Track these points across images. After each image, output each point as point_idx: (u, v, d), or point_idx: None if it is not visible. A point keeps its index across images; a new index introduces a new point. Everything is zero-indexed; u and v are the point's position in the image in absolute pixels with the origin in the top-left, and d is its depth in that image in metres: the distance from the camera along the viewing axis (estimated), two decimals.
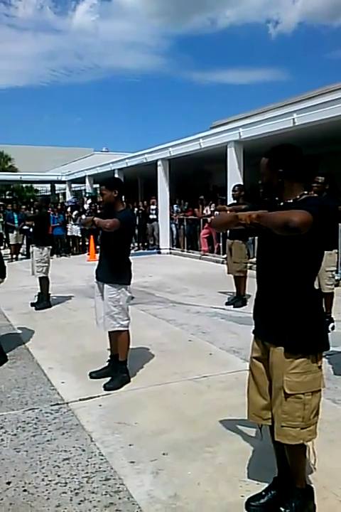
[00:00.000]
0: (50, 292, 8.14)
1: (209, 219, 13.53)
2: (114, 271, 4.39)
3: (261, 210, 2.36)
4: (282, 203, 2.45)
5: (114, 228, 4.23)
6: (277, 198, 2.50)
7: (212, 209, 14.70)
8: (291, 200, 2.41)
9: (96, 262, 4.73)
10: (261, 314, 2.55)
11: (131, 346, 4.57)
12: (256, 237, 2.67)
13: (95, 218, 4.49)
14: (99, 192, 5.38)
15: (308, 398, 2.36)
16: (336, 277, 6.68)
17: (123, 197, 4.67)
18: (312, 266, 2.42)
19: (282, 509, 2.49)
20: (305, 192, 2.45)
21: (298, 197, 2.42)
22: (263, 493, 2.63)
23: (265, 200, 2.63)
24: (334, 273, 6.12)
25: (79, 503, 2.70)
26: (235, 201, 7.87)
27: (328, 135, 11.52)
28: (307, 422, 2.38)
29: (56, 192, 31.55)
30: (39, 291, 8.04)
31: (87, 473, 3.00)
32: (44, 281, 8.00)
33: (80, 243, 17.93)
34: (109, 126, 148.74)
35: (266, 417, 2.54)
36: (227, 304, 7.83)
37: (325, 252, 4.90)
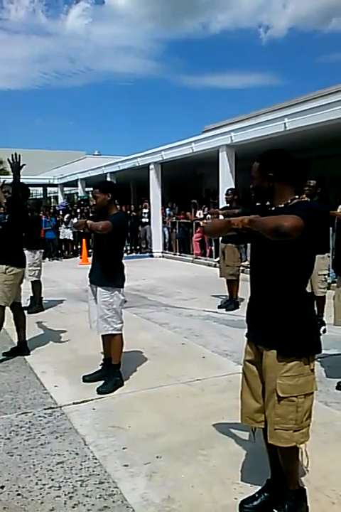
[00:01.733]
0: (42, 296, 8.12)
1: (201, 223, 13.56)
2: (107, 274, 4.39)
3: (253, 215, 2.38)
4: (273, 208, 2.47)
5: (106, 230, 4.23)
6: (268, 203, 2.53)
7: (204, 212, 14.74)
8: (282, 205, 2.44)
9: (89, 266, 4.73)
10: (254, 318, 2.57)
11: (124, 350, 4.57)
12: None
13: (88, 221, 4.49)
14: (91, 195, 5.39)
15: (301, 401, 2.38)
16: (328, 281, 6.74)
17: (116, 200, 4.67)
18: (304, 270, 2.45)
19: (275, 511, 2.51)
20: (296, 196, 2.48)
21: (289, 201, 2.44)
22: (257, 495, 2.65)
23: (257, 205, 2.65)
24: (326, 276, 6.17)
25: (73, 507, 2.70)
26: (228, 205, 7.91)
27: (319, 140, 11.62)
28: (300, 425, 2.40)
29: (48, 195, 31.46)
30: (31, 294, 8.02)
31: (80, 476, 3.00)
32: (36, 285, 7.99)
33: (72, 247, 17.91)
34: (101, 130, 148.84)
35: (259, 420, 2.55)
36: (220, 307, 7.86)
37: (318, 255, 4.95)
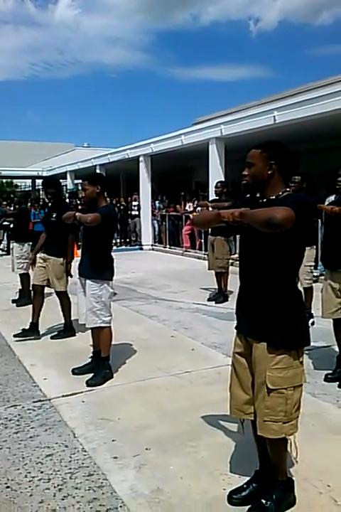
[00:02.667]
0: (30, 289, 8.07)
1: (191, 215, 13.56)
2: (96, 266, 4.39)
3: (243, 208, 2.38)
4: (265, 200, 2.47)
5: (95, 223, 4.22)
6: (258, 195, 2.54)
7: (194, 205, 14.75)
8: (274, 197, 2.45)
9: (78, 258, 4.71)
10: (244, 310, 2.58)
11: (113, 342, 4.58)
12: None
13: (77, 213, 4.47)
14: (80, 188, 5.39)
15: (290, 393, 2.41)
16: (314, 273, 6.79)
17: (105, 192, 4.66)
18: (294, 262, 2.46)
19: (263, 501, 2.54)
20: (287, 189, 2.49)
21: (280, 194, 2.45)
22: (245, 486, 2.68)
23: (247, 197, 2.66)
24: (312, 268, 6.22)
25: (63, 499, 2.70)
26: (217, 197, 7.92)
27: (309, 133, 11.66)
28: (289, 417, 2.42)
29: (36, 187, 31.25)
30: (20, 287, 7.98)
31: (70, 469, 3.01)
32: (25, 278, 7.94)
33: None
34: (91, 122, 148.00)
35: (248, 411, 2.58)
36: (209, 299, 7.88)
37: (307, 247, 4.98)
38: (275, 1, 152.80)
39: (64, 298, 6.05)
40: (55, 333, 5.99)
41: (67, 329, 5.96)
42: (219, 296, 7.83)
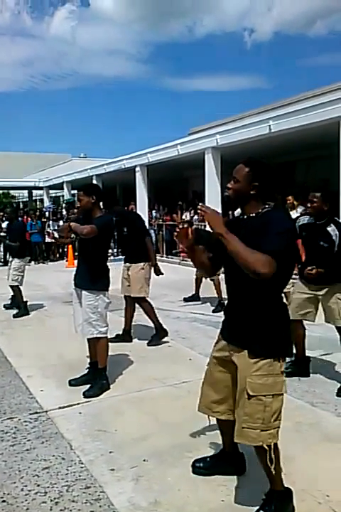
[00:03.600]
0: (26, 299, 8.06)
1: (179, 226, 13.55)
2: (92, 277, 4.37)
3: (225, 231, 2.35)
4: (245, 216, 2.55)
5: (91, 235, 4.21)
6: (239, 210, 2.62)
7: (191, 215, 14.77)
8: (253, 214, 2.51)
9: (75, 269, 4.70)
10: (229, 318, 2.67)
11: (110, 353, 4.56)
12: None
13: (72, 224, 4.46)
14: (76, 198, 5.39)
15: (269, 400, 2.44)
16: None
17: (101, 203, 4.66)
18: (278, 281, 2.45)
19: (261, 511, 2.52)
20: (266, 206, 2.53)
21: (259, 211, 2.51)
22: (208, 459, 3.02)
23: (229, 218, 2.76)
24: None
25: None
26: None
27: (304, 142, 11.71)
28: (267, 425, 2.44)
29: (33, 198, 31.27)
30: (12, 294, 8.03)
31: (67, 481, 2.98)
32: (16, 289, 7.94)
33: (58, 249, 17.79)
34: (87, 133, 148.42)
35: (215, 410, 2.76)
36: (186, 299, 8.57)
37: None
38: (270, 12, 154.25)
39: (144, 304, 6.08)
40: (150, 339, 6.02)
41: (158, 332, 6.04)
42: (217, 304, 7.82)
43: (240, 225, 2.52)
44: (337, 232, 4.20)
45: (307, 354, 4.81)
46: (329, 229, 4.24)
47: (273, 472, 2.51)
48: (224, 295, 7.57)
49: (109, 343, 4.53)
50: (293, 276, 6.15)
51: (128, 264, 6.10)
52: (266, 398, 2.42)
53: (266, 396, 2.42)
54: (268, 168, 2.56)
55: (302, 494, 2.75)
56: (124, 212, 6.29)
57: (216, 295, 8.03)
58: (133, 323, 6.36)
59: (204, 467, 2.98)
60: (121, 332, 6.15)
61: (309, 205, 4.33)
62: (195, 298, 8.68)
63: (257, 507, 2.56)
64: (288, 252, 2.37)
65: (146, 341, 6.09)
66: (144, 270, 5.98)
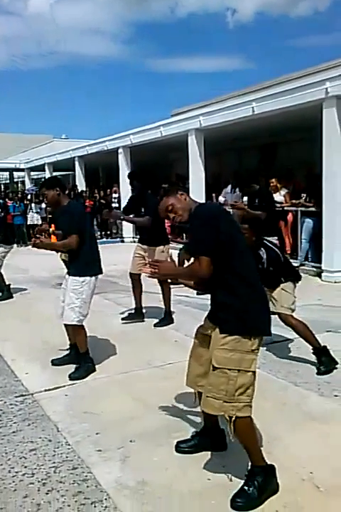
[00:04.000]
0: (9, 283, 7.98)
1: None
2: (76, 263, 4.37)
3: (160, 274, 2.72)
4: (187, 225, 2.80)
5: (73, 245, 4.27)
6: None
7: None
8: (186, 220, 2.79)
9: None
10: (210, 299, 2.83)
11: (96, 335, 4.58)
12: None
13: (53, 244, 4.66)
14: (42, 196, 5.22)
15: (233, 374, 2.55)
16: (295, 264, 6.86)
17: (65, 191, 4.67)
18: (228, 259, 2.62)
19: (245, 487, 2.58)
20: (193, 206, 2.77)
21: (189, 212, 2.75)
22: (191, 437, 3.10)
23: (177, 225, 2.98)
24: None
25: (47, 493, 2.69)
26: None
27: (287, 124, 11.72)
28: (230, 397, 2.55)
29: (15, 180, 30.83)
30: None
31: (54, 463, 3.00)
32: None
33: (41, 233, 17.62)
34: (69, 113, 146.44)
35: (200, 384, 2.84)
36: (199, 293, 8.01)
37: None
38: None
39: (166, 286, 6.11)
40: (157, 320, 6.10)
41: (167, 316, 6.14)
42: None
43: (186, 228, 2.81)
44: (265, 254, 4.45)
45: (289, 336, 4.90)
46: (260, 252, 4.45)
47: (250, 447, 2.62)
48: None
49: (88, 327, 4.50)
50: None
51: (145, 246, 6.14)
52: (231, 372, 2.55)
53: (230, 370, 2.55)
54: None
55: (287, 471, 2.80)
56: (144, 191, 6.18)
57: None
58: (123, 306, 6.36)
59: (187, 446, 3.06)
60: (133, 311, 6.31)
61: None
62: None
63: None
64: (213, 244, 2.57)
65: (132, 324, 6.11)
66: (165, 253, 6.02)
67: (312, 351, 4.45)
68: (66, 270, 4.66)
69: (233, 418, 2.56)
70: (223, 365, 2.55)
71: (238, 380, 2.55)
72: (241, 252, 2.69)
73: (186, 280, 2.85)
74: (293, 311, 4.50)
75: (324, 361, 4.35)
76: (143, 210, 6.04)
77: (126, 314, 6.33)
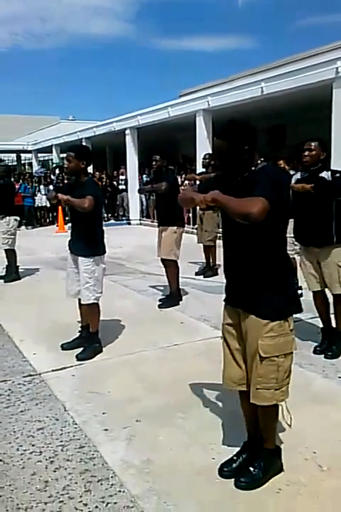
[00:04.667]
0: (18, 264, 8.04)
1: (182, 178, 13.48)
2: (88, 243, 4.34)
3: (215, 192, 2.34)
4: (239, 178, 2.46)
5: (91, 207, 4.14)
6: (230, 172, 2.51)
7: (181, 179, 14.68)
8: (247, 173, 2.45)
9: (65, 234, 4.70)
10: (231, 281, 2.60)
11: (102, 317, 4.60)
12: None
13: (61, 196, 4.32)
14: (65, 159, 5.16)
15: (281, 360, 2.46)
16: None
17: (89, 165, 4.57)
18: (275, 232, 2.46)
19: (251, 469, 2.60)
20: (259, 162, 2.50)
21: (253, 168, 2.46)
22: (235, 457, 2.73)
23: (221, 176, 2.64)
24: (294, 239, 6.26)
25: (55, 471, 2.75)
26: (204, 169, 7.89)
27: (296, 104, 11.60)
28: (280, 384, 2.48)
29: (22, 162, 30.82)
30: (7, 263, 7.92)
31: (61, 441, 3.05)
32: (10, 254, 7.86)
33: (49, 214, 17.69)
34: (76, 94, 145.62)
35: (241, 382, 2.62)
36: (197, 274, 7.91)
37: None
38: None
39: (171, 266, 6.16)
40: (161, 302, 6.12)
41: (173, 297, 6.14)
42: (208, 270, 7.87)
43: (233, 182, 2.46)
44: (331, 177, 4.12)
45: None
46: (322, 174, 4.17)
47: (272, 430, 2.61)
48: (218, 261, 7.66)
49: (100, 308, 4.56)
50: (293, 239, 6.19)
51: (161, 227, 6.16)
52: (279, 358, 2.45)
53: (278, 356, 2.45)
54: (245, 125, 2.46)
55: (290, 451, 2.84)
56: (164, 167, 6.16)
57: (204, 260, 8.06)
58: (129, 288, 6.37)
59: (233, 469, 2.68)
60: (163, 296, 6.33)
61: (306, 153, 4.17)
62: (206, 270, 7.93)
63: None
64: (281, 198, 2.33)
65: (138, 306, 6.15)
66: (176, 234, 6.04)
67: (322, 330, 4.45)
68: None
69: (285, 404, 2.53)
70: (271, 354, 2.43)
71: (285, 364, 2.48)
72: (284, 228, 2.53)
73: (234, 210, 2.27)
74: None
75: (339, 345, 4.35)
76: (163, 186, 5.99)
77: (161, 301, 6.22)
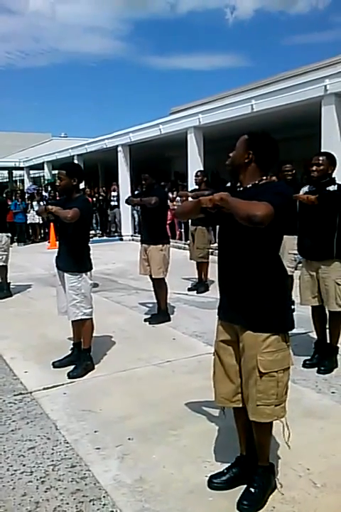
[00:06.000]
0: (9, 281, 7.99)
1: (170, 205, 13.54)
2: (74, 259, 4.35)
3: (223, 193, 2.38)
4: (241, 188, 2.50)
5: (75, 219, 4.16)
6: (236, 182, 2.56)
7: (173, 196, 14.73)
8: (250, 185, 2.48)
9: (57, 250, 4.67)
10: (228, 297, 2.57)
11: (94, 334, 4.57)
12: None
13: (50, 207, 4.37)
14: (56, 176, 5.16)
15: (281, 376, 2.45)
16: (297, 260, 6.87)
17: (81, 185, 4.60)
18: (273, 248, 2.48)
19: (251, 489, 2.56)
20: (264, 178, 2.51)
21: (256, 182, 2.48)
22: (225, 470, 2.72)
23: (226, 187, 2.67)
24: (295, 256, 6.30)
25: (46, 491, 2.71)
26: (197, 187, 7.93)
27: (286, 121, 11.73)
28: (280, 399, 2.47)
29: (14, 178, 30.81)
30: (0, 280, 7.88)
31: (52, 461, 3.01)
32: (2, 270, 7.83)
33: (40, 231, 17.64)
34: (68, 112, 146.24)
35: (234, 399, 2.60)
36: (190, 289, 7.91)
37: (290, 236, 5.05)
38: None
39: (160, 284, 6.14)
40: (149, 316, 6.18)
41: (161, 315, 6.12)
42: (200, 285, 7.87)
43: (236, 193, 2.46)
44: (338, 192, 4.17)
45: None
46: (329, 188, 4.21)
47: (267, 447, 2.59)
48: (210, 277, 7.66)
49: (94, 324, 4.53)
50: (295, 256, 6.20)
51: (145, 245, 6.12)
52: (278, 374, 2.44)
53: (277, 372, 2.43)
54: (264, 137, 2.52)
55: (284, 468, 2.82)
56: (154, 184, 6.16)
57: (196, 276, 8.08)
58: (121, 304, 6.36)
59: (223, 481, 2.69)
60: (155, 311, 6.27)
61: (314, 168, 4.21)
62: (198, 286, 7.91)
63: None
64: (285, 211, 2.34)
65: (131, 322, 6.12)
66: (163, 252, 6.01)
67: (316, 344, 4.47)
68: None
69: (285, 420, 2.52)
70: (270, 369, 2.41)
71: (284, 379, 2.47)
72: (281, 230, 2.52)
73: (239, 211, 2.25)
74: None
75: (331, 361, 4.36)
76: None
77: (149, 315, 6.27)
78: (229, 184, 2.71)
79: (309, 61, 15.36)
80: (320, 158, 4.22)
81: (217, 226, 2.70)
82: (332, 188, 4.21)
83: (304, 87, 9.40)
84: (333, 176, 4.30)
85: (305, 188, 4.45)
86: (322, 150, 8.94)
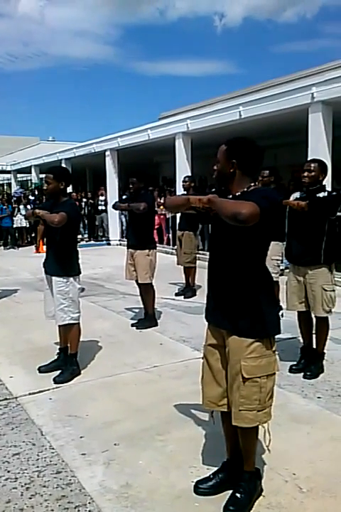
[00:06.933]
0: None
1: (158, 210, 13.54)
2: (62, 263, 4.32)
3: (211, 195, 2.41)
4: (230, 196, 2.50)
5: (62, 223, 4.14)
6: (225, 189, 2.57)
7: (161, 201, 14.74)
8: (239, 193, 2.48)
9: (44, 255, 4.65)
10: (215, 301, 2.59)
11: (81, 338, 4.54)
12: (210, 226, 2.72)
13: (38, 211, 4.35)
14: (44, 180, 5.10)
15: (264, 381, 2.45)
16: (281, 267, 6.91)
17: (68, 189, 4.57)
18: (259, 253, 2.50)
19: (237, 495, 2.55)
20: (252, 185, 2.53)
21: (245, 189, 2.49)
22: (211, 476, 2.72)
23: (214, 192, 2.68)
24: (279, 262, 6.33)
25: (30, 498, 2.68)
26: (185, 192, 7.95)
27: (273, 128, 11.81)
28: (263, 405, 2.47)
29: (1, 182, 30.59)
30: None
31: (37, 467, 2.98)
32: None
33: (27, 235, 17.52)
34: (56, 116, 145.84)
35: (221, 403, 2.61)
36: (177, 294, 7.91)
37: (274, 242, 5.07)
38: None
39: (147, 289, 6.12)
40: (136, 321, 6.17)
41: (148, 320, 6.11)
42: (188, 290, 7.87)
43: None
44: (328, 198, 4.20)
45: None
46: (319, 194, 4.24)
47: (252, 452, 2.58)
48: (197, 282, 7.65)
49: (81, 329, 4.50)
50: (278, 262, 6.24)
51: (131, 250, 6.09)
52: (261, 379, 2.44)
53: (261, 377, 2.44)
54: (245, 143, 2.52)
55: (270, 473, 2.83)
56: (141, 189, 6.15)
57: (184, 281, 8.08)
58: (108, 309, 6.33)
59: (209, 487, 2.69)
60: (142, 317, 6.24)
61: (306, 174, 4.24)
62: (186, 291, 7.90)
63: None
64: (271, 215, 2.35)
65: (118, 327, 6.10)
66: (150, 257, 5.99)
67: (302, 350, 4.49)
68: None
69: (267, 426, 2.52)
70: (253, 375, 2.42)
71: (267, 385, 2.47)
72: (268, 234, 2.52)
73: (225, 210, 2.27)
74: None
75: (318, 366, 4.39)
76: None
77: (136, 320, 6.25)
78: (214, 189, 2.72)
79: (296, 69, 15.52)
80: (312, 164, 4.26)
81: (208, 230, 2.71)
82: (322, 194, 4.26)
83: (291, 94, 9.47)
84: (324, 183, 4.34)
85: (296, 194, 4.50)
86: (309, 157, 9.01)
